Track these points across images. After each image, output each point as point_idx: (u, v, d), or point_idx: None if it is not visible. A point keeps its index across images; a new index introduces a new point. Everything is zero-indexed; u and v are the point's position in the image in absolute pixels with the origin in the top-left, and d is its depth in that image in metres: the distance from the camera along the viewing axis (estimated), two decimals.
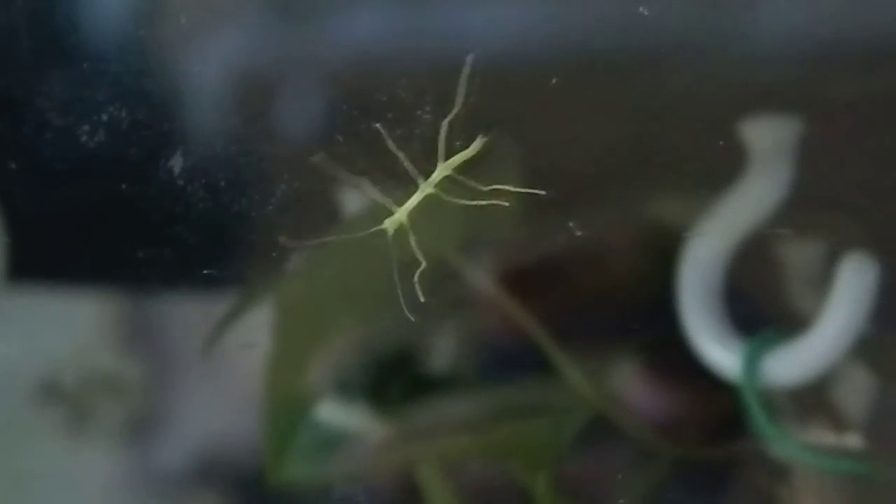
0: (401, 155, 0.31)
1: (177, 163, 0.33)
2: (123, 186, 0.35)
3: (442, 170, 0.31)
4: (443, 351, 0.38)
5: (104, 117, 0.34)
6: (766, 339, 0.36)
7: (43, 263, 0.38)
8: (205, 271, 0.31)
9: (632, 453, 0.39)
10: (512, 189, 0.33)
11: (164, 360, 0.43)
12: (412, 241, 0.31)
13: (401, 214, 0.31)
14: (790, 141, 0.35)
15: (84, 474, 0.45)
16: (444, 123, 0.31)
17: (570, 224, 0.34)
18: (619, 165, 0.36)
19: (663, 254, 0.37)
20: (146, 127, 0.35)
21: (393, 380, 0.39)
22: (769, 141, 0.35)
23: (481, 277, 0.36)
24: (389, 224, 0.32)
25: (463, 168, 0.32)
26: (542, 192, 0.32)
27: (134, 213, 0.35)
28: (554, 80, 0.32)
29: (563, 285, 0.38)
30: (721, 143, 0.35)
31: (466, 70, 0.31)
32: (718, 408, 0.38)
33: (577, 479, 0.39)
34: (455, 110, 0.31)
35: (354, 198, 0.38)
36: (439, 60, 0.33)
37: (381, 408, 0.39)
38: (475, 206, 0.37)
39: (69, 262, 0.38)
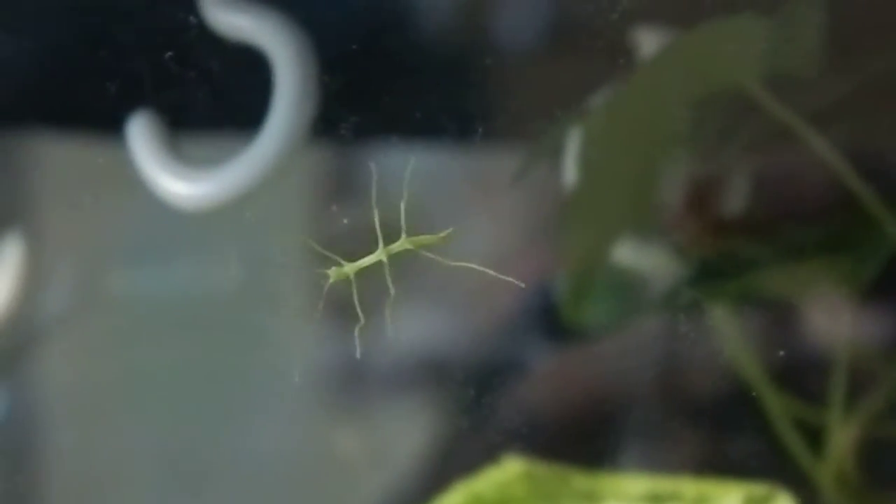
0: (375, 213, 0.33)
1: None
2: None
3: (403, 242, 0.33)
4: (740, 188, 0.38)
5: None
6: None
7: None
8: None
9: None
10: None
11: None
12: (354, 294, 0.32)
13: (350, 270, 0.33)
14: None
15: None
16: (402, 204, 0.32)
17: None
18: None
19: None
20: None
21: (689, 218, 0.39)
22: None
23: (785, 113, 0.36)
24: (333, 275, 0.33)
25: None
26: None
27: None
28: None
29: (868, 121, 0.37)
30: None
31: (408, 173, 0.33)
32: None
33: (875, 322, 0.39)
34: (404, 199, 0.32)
35: (651, 38, 0.38)
36: None
37: (675, 248, 0.39)
38: (779, 41, 0.37)
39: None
